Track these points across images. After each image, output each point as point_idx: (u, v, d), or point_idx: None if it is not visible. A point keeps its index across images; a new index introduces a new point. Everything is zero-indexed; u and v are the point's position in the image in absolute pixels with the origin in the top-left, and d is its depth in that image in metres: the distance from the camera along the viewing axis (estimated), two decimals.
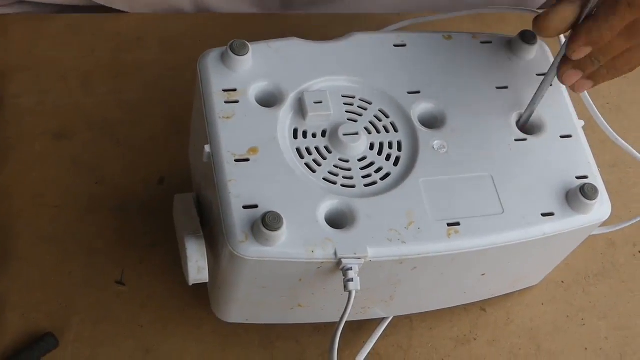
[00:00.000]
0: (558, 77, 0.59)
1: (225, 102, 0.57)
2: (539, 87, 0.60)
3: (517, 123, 0.61)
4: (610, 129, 0.66)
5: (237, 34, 0.59)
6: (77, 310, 0.66)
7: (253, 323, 0.64)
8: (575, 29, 0.57)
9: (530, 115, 0.61)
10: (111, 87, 0.77)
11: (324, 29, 0.68)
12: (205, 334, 0.66)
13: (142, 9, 0.81)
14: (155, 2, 0.81)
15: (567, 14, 0.57)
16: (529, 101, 0.61)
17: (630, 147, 0.67)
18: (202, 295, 0.66)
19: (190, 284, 0.57)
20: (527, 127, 0.61)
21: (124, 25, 0.80)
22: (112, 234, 0.70)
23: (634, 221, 0.67)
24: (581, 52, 0.57)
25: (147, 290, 0.68)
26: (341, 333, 0.54)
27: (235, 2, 0.82)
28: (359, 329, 0.68)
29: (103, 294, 0.67)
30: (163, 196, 0.70)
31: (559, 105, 0.62)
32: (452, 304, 0.68)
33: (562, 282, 0.71)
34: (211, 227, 0.58)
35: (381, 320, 0.67)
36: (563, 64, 0.59)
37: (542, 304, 0.70)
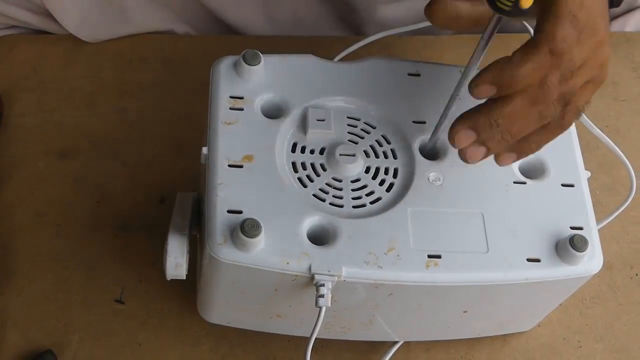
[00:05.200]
0: (449, 137, 0.53)
1: (230, 109, 0.59)
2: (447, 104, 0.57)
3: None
4: (618, 149, 0.66)
5: None
6: (76, 328, 0.68)
7: (235, 327, 0.65)
8: (488, 66, 0.52)
9: (435, 142, 0.59)
10: (115, 106, 0.78)
11: (337, 51, 0.69)
12: (203, 353, 0.68)
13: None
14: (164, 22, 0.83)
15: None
16: None
17: (631, 168, 0.66)
18: (200, 315, 0.66)
19: (168, 279, 0.59)
20: (529, 170, 0.61)
21: (129, 45, 0.81)
22: (113, 252, 0.71)
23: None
24: (484, 91, 0.51)
25: (145, 309, 0.69)
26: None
27: (250, 20, 0.83)
28: (366, 351, 0.68)
29: (102, 312, 0.68)
30: (164, 215, 0.70)
31: (566, 152, 0.62)
32: (436, 337, 0.68)
33: (559, 304, 0.71)
34: (203, 227, 0.59)
35: (390, 346, 0.68)
36: (457, 122, 0.53)
37: (539, 326, 0.70)
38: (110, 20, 0.80)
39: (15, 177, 0.74)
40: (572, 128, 0.63)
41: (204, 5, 0.82)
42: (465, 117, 0.53)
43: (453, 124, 0.53)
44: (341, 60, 0.68)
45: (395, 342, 0.68)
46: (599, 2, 0.52)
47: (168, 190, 0.73)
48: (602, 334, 0.71)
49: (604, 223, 0.69)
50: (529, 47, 0.51)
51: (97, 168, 0.75)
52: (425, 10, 0.55)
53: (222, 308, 0.62)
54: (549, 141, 0.55)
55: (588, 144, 0.65)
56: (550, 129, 0.54)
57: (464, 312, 0.61)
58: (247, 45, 0.68)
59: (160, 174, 0.75)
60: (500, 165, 0.55)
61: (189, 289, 0.66)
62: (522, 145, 0.54)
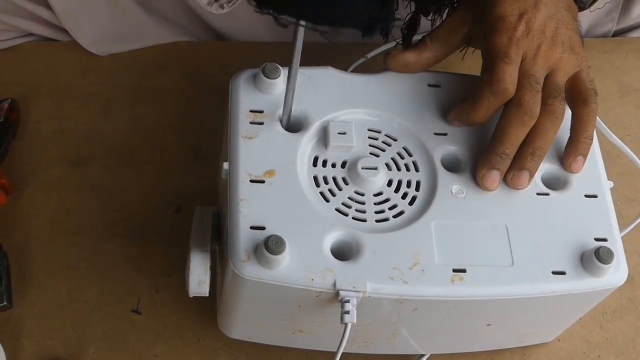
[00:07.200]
0: (479, 183, 0.59)
1: (251, 123, 0.58)
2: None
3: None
4: (637, 158, 0.66)
5: (259, 62, 0.59)
6: (92, 339, 0.67)
7: (256, 342, 0.64)
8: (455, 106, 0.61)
9: (289, 114, 0.58)
10: (131, 114, 0.78)
11: (349, 58, 0.68)
12: None
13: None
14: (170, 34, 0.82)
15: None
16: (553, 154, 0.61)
17: None
18: (217, 326, 0.66)
19: (191, 296, 0.58)
20: (552, 181, 0.60)
21: (144, 53, 0.81)
22: (129, 262, 0.70)
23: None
24: (454, 124, 0.61)
25: (162, 319, 0.68)
26: None
27: (257, 31, 0.82)
28: None
29: (118, 323, 0.68)
30: (180, 225, 0.70)
31: (589, 163, 0.61)
32: (457, 350, 0.67)
33: (579, 318, 0.70)
34: (224, 242, 0.59)
35: None
36: (479, 168, 0.59)
37: (559, 340, 0.70)
38: (125, 39, 0.80)
39: (31, 184, 0.73)
40: (595, 138, 0.62)
41: (210, 25, 0.81)
42: (481, 162, 0.59)
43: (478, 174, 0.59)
44: (354, 70, 0.67)
45: (422, 355, 0.67)
46: None
47: (184, 198, 0.73)
48: (623, 348, 0.70)
49: (624, 233, 0.68)
50: (476, 92, 0.59)
51: (112, 176, 0.74)
52: (383, 60, 0.63)
53: (244, 324, 0.61)
54: (551, 136, 0.59)
55: (609, 154, 0.65)
56: (545, 124, 0.58)
57: (488, 325, 0.61)
58: (261, 51, 0.68)
59: (176, 182, 0.74)
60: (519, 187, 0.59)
61: (206, 300, 0.65)
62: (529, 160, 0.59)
